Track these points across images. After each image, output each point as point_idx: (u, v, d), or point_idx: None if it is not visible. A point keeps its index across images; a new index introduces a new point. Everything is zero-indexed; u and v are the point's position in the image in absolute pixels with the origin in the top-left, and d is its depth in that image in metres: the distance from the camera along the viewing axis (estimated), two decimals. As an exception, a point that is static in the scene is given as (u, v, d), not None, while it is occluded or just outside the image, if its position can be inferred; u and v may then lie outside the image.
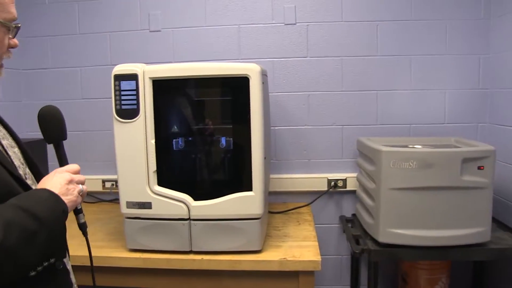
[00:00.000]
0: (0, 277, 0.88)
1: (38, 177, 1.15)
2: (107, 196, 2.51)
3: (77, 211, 1.17)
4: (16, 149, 1.16)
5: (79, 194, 1.09)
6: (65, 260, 1.14)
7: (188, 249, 1.78)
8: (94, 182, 2.49)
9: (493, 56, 2.32)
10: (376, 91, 2.41)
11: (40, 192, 1.01)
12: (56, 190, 1.02)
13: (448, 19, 2.34)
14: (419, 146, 2.06)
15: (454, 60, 2.36)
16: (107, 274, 1.78)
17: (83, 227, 1.19)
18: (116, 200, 2.47)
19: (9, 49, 1.08)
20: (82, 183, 1.11)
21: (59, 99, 2.52)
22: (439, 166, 1.79)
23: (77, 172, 1.12)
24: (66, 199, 1.03)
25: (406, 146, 2.05)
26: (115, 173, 1.76)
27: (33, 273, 0.98)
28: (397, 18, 2.36)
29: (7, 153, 1.08)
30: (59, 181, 1.05)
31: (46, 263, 1.00)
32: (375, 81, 2.40)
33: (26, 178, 1.11)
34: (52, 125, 1.17)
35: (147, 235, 1.79)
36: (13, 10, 1.03)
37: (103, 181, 2.51)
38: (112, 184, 2.48)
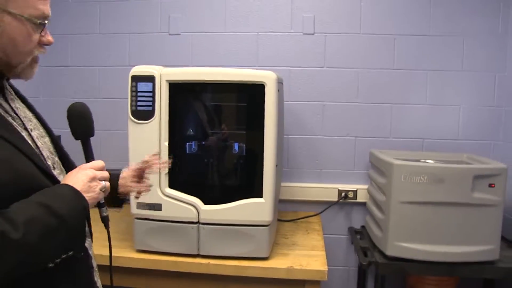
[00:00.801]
0: (19, 270, 0.91)
1: (67, 166, 1.20)
2: (119, 195, 2.53)
3: (100, 205, 1.19)
4: (47, 139, 1.18)
5: (101, 190, 1.10)
6: (87, 244, 1.17)
7: (195, 253, 1.79)
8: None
9: (509, 75, 2.30)
10: (391, 104, 2.40)
11: (62, 189, 1.03)
12: (78, 187, 1.04)
13: (466, 34, 2.33)
14: (431, 161, 2.05)
15: (470, 76, 2.35)
16: (114, 274, 1.78)
17: (105, 220, 1.21)
18: (127, 200, 2.48)
19: (43, 45, 1.08)
20: (106, 179, 1.12)
21: (77, 97, 2.55)
22: (450, 181, 1.78)
23: (101, 169, 1.13)
24: (87, 196, 1.05)
25: (418, 161, 2.04)
26: (128, 172, 1.78)
27: (51, 265, 0.99)
28: (415, 33, 2.36)
29: (36, 144, 1.10)
30: (81, 178, 1.07)
31: (64, 256, 1.02)
32: (390, 94, 2.40)
33: (54, 167, 1.13)
34: (81, 121, 1.19)
35: (156, 236, 1.80)
36: (41, 7, 1.02)
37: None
38: (125, 184, 2.49)
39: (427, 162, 2.02)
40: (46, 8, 1.04)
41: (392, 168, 1.86)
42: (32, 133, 1.11)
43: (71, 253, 1.02)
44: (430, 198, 1.80)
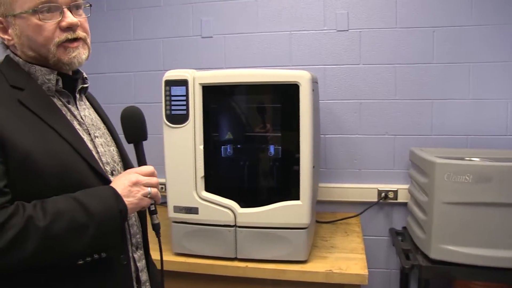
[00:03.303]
0: (41, 258, 0.94)
1: None
2: (157, 199, 2.55)
3: (151, 212, 1.20)
4: (113, 148, 1.23)
5: (145, 196, 1.10)
6: (135, 256, 1.20)
7: (233, 256, 1.77)
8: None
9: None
10: (432, 100, 2.32)
11: (103, 189, 1.05)
12: (119, 190, 1.06)
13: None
14: (477, 159, 1.96)
15: (518, 67, 2.24)
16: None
17: (156, 228, 1.22)
18: (165, 203, 2.50)
19: (67, 28, 1.08)
20: (153, 186, 1.13)
21: (113, 103, 2.57)
22: (497, 181, 1.69)
23: (149, 174, 1.14)
24: (127, 200, 1.06)
25: (462, 159, 1.96)
26: (164, 176, 1.78)
27: (80, 262, 1.01)
28: (455, 24, 2.26)
29: (97, 150, 1.15)
30: (124, 182, 1.08)
31: (96, 256, 1.03)
32: (430, 89, 2.31)
33: (113, 174, 1.17)
34: (134, 125, 1.22)
35: (193, 240, 1.79)
36: None
37: (153, 184, 2.55)
38: (162, 188, 2.50)
39: (472, 160, 1.93)
40: None
41: (434, 167, 1.79)
42: (96, 140, 1.17)
43: (104, 255, 1.03)
44: (476, 199, 1.71)
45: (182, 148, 1.73)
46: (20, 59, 1.10)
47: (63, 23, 1.07)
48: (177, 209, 1.77)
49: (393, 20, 2.32)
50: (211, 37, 2.49)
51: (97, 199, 1.01)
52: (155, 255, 1.30)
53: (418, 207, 2.03)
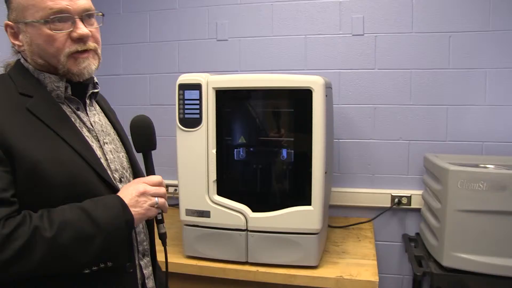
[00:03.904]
0: (47, 268, 0.94)
1: None
2: (170, 201, 2.54)
3: (158, 221, 1.20)
4: (122, 154, 1.23)
5: (152, 206, 1.10)
6: (142, 263, 1.20)
7: (244, 260, 1.77)
8: (158, 187, 2.54)
9: None
10: (447, 105, 2.29)
11: (110, 199, 1.05)
12: (126, 200, 1.06)
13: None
14: (492, 166, 1.94)
15: (535, 74, 2.20)
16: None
17: (162, 237, 1.22)
18: (177, 205, 2.51)
19: (78, 40, 1.08)
20: (160, 196, 1.13)
21: (129, 105, 2.62)
22: (512, 189, 1.67)
23: (157, 184, 1.13)
24: (133, 210, 1.06)
25: (476, 166, 1.94)
26: (177, 179, 1.80)
27: (87, 271, 1.02)
28: (472, 29, 2.23)
29: (106, 157, 1.15)
30: (131, 192, 1.08)
31: (102, 265, 1.03)
32: (445, 95, 2.29)
33: (121, 181, 1.17)
34: (143, 135, 1.22)
35: (205, 243, 1.80)
36: (49, 3, 1.03)
37: (167, 186, 2.57)
38: (175, 189, 2.52)
39: (487, 167, 1.91)
40: (57, 3, 1.04)
41: (447, 174, 1.77)
42: (105, 146, 1.17)
43: (110, 264, 1.04)
44: (491, 207, 1.69)
45: (195, 151, 1.74)
46: (30, 65, 1.11)
47: (74, 34, 1.07)
48: (189, 212, 1.79)
49: (409, 24, 2.30)
50: (226, 40, 2.50)
51: (104, 209, 1.01)
52: (163, 258, 1.30)
53: (431, 213, 2.01)
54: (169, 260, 1.75)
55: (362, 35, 2.35)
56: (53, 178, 0.99)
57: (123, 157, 1.23)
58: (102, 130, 1.20)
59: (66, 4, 1.05)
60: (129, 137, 1.27)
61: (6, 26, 1.09)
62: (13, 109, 1.02)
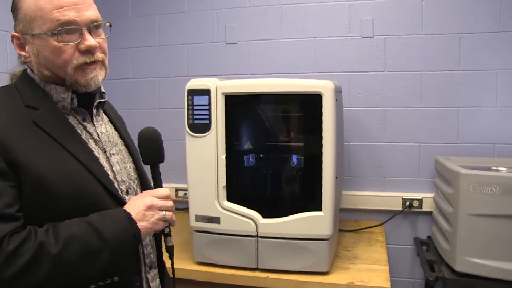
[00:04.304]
0: (54, 285, 0.94)
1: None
2: (180, 205, 2.56)
3: (166, 235, 1.19)
4: (129, 165, 1.22)
5: (160, 220, 1.09)
6: (149, 276, 1.19)
7: (254, 266, 1.77)
8: (167, 191, 2.53)
9: None
10: (458, 107, 2.27)
11: (117, 213, 1.04)
12: (133, 214, 1.05)
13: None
14: (504, 169, 1.92)
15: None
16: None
17: (170, 251, 1.21)
18: (187, 209, 2.51)
19: (86, 51, 1.07)
20: (167, 209, 1.11)
21: (138, 108, 2.62)
22: (527, 193, 1.65)
23: (164, 198, 1.13)
24: (140, 224, 1.05)
25: (489, 169, 1.91)
26: (186, 183, 1.79)
27: (92, 287, 1.01)
28: (483, 30, 2.20)
29: (113, 168, 1.14)
30: (138, 205, 1.07)
31: (108, 280, 1.03)
32: (456, 97, 2.26)
33: (128, 192, 1.16)
34: (150, 147, 1.21)
35: (215, 249, 1.80)
36: (56, 15, 1.02)
37: (176, 190, 2.57)
38: (185, 193, 2.52)
39: (499, 170, 1.89)
40: (65, 15, 1.03)
41: (459, 177, 1.75)
42: (112, 158, 1.16)
43: (116, 278, 1.03)
44: (504, 211, 1.67)
45: (204, 157, 1.74)
46: (36, 76, 1.10)
47: (82, 46, 1.06)
48: (199, 218, 1.78)
49: (419, 26, 2.27)
50: (235, 43, 2.49)
51: (111, 223, 1.00)
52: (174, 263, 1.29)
53: (443, 217, 1.99)
54: (179, 266, 1.76)
55: (372, 37, 2.33)
56: (59, 191, 0.98)
57: (130, 167, 1.22)
58: (109, 141, 1.19)
59: (73, 16, 1.04)
60: (135, 139, 1.26)
61: (13, 37, 1.08)
62: (19, 122, 1.01)
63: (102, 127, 1.20)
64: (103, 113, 1.25)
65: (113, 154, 1.17)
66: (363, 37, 2.34)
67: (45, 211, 0.98)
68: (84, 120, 1.15)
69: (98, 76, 1.11)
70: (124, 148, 1.24)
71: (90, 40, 1.07)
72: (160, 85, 2.63)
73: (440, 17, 2.25)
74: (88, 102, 1.16)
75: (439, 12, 2.25)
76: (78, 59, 1.07)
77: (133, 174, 1.22)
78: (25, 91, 1.08)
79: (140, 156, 1.24)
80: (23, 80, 1.12)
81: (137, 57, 2.65)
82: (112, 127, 1.25)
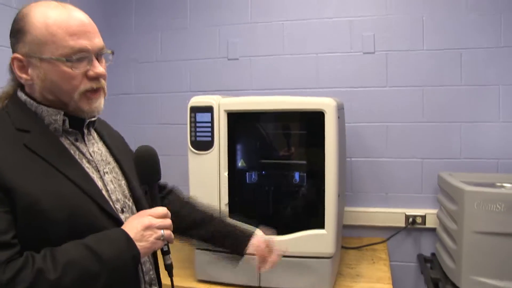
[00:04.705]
0: None
1: (140, 209, 1.18)
2: (181, 220, 2.55)
3: (164, 252, 1.17)
4: (123, 182, 1.21)
5: (158, 239, 1.08)
6: None
7: (256, 284, 1.76)
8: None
9: None
10: (460, 122, 2.27)
11: (115, 234, 1.03)
12: (131, 234, 1.03)
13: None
14: (509, 185, 1.90)
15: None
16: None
17: (169, 268, 1.19)
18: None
19: (94, 78, 1.08)
20: (166, 228, 1.10)
21: (140, 123, 2.63)
22: (532, 211, 1.63)
23: (162, 216, 1.11)
24: (139, 245, 1.03)
25: (493, 185, 1.90)
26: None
27: None
28: (484, 45, 2.21)
29: (107, 188, 1.13)
30: (136, 225, 1.06)
31: None
32: (458, 112, 2.26)
33: (123, 211, 1.15)
34: (147, 167, 1.18)
35: (217, 267, 1.78)
36: (71, 43, 1.03)
37: (178, 206, 2.56)
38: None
39: (503, 187, 1.88)
40: (78, 42, 1.04)
41: (463, 194, 1.74)
42: (105, 177, 1.15)
43: None
44: (509, 229, 1.65)
45: (206, 174, 1.74)
46: (28, 99, 1.09)
47: (91, 73, 1.07)
48: (201, 235, 1.77)
49: (420, 42, 2.28)
50: (237, 59, 2.50)
51: (109, 245, 0.99)
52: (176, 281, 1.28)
53: (447, 234, 1.97)
54: (180, 284, 1.76)
55: (373, 53, 2.34)
56: (54, 214, 0.97)
57: (124, 185, 1.21)
58: (102, 159, 1.18)
59: (86, 44, 1.04)
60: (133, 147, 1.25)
61: (14, 58, 1.06)
62: (10, 146, 1.00)
63: (94, 146, 1.19)
64: (94, 132, 1.24)
65: (107, 173, 1.16)
66: (364, 53, 2.35)
67: (41, 234, 0.96)
68: (76, 140, 1.14)
69: (101, 104, 1.12)
70: (117, 165, 1.23)
71: (99, 68, 1.08)
72: (162, 100, 2.63)
73: (441, 32, 2.26)
74: (79, 122, 1.15)
75: (440, 27, 2.26)
76: (86, 85, 1.07)
77: (127, 192, 1.21)
78: (16, 114, 1.07)
79: (134, 172, 1.23)
80: (13, 103, 1.10)
81: (139, 72, 2.66)
82: (103, 145, 1.24)
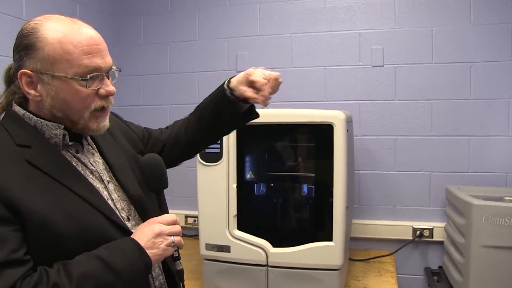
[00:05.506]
0: None
1: (144, 216, 1.18)
2: (189, 231, 2.56)
3: (174, 259, 1.17)
4: (122, 189, 1.20)
5: (169, 246, 1.09)
6: None
7: (264, 295, 1.76)
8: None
9: None
10: (469, 136, 2.27)
11: (126, 244, 1.03)
12: (142, 242, 1.04)
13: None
14: (518, 199, 1.90)
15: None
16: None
17: (180, 274, 1.19)
18: (197, 236, 2.51)
19: (105, 96, 1.08)
20: (176, 234, 1.11)
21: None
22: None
23: (171, 223, 1.12)
24: (150, 252, 1.04)
25: (501, 199, 1.90)
26: (197, 209, 1.80)
27: None
28: (493, 59, 2.22)
29: (112, 197, 1.14)
30: (147, 233, 1.07)
31: None
32: (467, 125, 2.26)
33: (129, 219, 1.15)
34: (154, 174, 1.19)
35: (225, 278, 1.79)
36: (86, 61, 1.02)
37: (186, 217, 2.57)
38: (194, 220, 2.52)
39: (512, 201, 1.87)
40: (93, 61, 1.03)
41: (471, 208, 1.74)
42: (109, 186, 1.15)
43: None
44: (517, 243, 1.65)
45: (215, 186, 1.75)
46: (26, 113, 1.08)
47: (103, 91, 1.07)
48: (209, 246, 1.78)
49: (429, 55, 2.29)
50: (246, 71, 2.51)
51: (121, 255, 0.99)
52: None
53: (454, 247, 1.97)
54: (189, 295, 1.75)
55: (382, 66, 2.35)
56: (63, 229, 0.97)
57: (123, 192, 1.20)
58: (104, 168, 1.18)
59: (100, 62, 1.04)
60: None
61: (23, 74, 1.04)
62: (13, 163, 1.00)
63: (94, 156, 1.19)
64: (90, 140, 1.22)
65: (109, 182, 1.16)
66: (373, 66, 2.36)
67: (52, 249, 0.97)
68: (78, 152, 1.13)
69: (107, 122, 1.12)
70: (112, 175, 1.21)
71: (110, 86, 1.09)
72: (171, 113, 2.65)
73: (450, 45, 2.27)
74: (78, 134, 1.14)
75: (449, 40, 2.27)
76: (96, 104, 1.07)
77: (127, 198, 1.20)
78: (15, 130, 1.05)
79: (132, 178, 1.23)
80: (10, 118, 1.09)
81: (148, 85, 2.69)
82: (99, 155, 1.22)
